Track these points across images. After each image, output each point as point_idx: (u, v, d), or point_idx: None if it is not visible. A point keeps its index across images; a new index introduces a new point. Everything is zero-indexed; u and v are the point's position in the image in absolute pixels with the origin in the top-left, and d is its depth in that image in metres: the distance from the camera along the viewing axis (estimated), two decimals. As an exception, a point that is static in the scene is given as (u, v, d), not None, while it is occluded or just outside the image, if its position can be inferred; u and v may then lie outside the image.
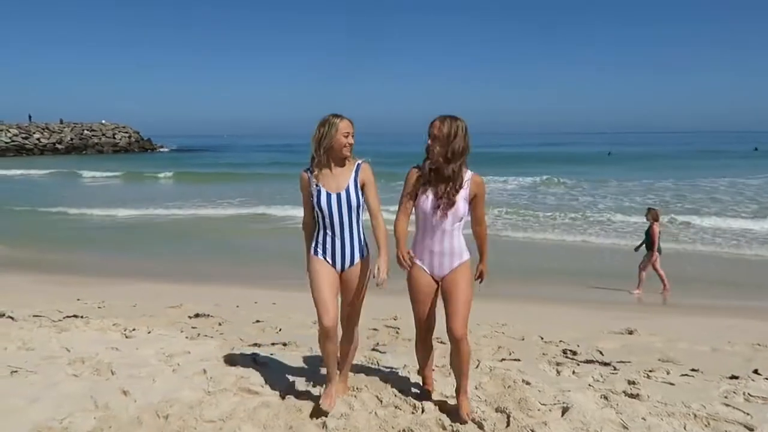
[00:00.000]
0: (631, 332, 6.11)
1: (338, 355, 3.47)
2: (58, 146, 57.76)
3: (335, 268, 3.33)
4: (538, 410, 3.40)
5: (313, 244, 3.36)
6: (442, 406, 3.47)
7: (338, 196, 3.25)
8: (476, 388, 3.75)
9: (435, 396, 3.61)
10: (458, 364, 3.29)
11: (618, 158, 42.29)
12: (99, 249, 12.46)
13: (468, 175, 3.21)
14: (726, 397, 3.83)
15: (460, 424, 3.20)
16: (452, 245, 3.26)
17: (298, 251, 3.81)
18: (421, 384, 3.71)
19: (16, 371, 3.97)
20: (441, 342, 4.46)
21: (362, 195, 3.30)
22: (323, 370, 3.62)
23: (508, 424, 3.22)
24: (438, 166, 3.14)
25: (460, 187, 3.17)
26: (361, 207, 3.32)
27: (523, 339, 5.61)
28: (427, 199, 3.19)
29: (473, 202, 3.25)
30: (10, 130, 56.47)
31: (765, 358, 5.15)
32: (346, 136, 3.23)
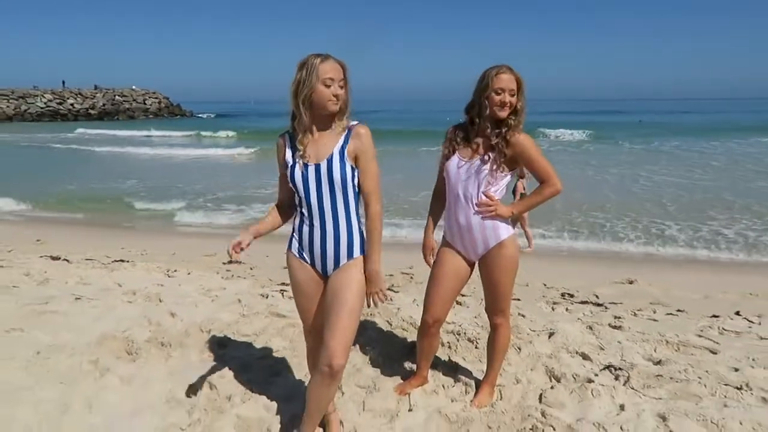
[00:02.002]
0: (631, 282, 6.54)
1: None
2: (91, 111, 59.11)
3: (316, 269, 2.48)
4: (527, 334, 3.91)
5: (290, 236, 2.51)
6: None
7: (317, 168, 2.34)
8: (475, 318, 4.26)
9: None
10: (492, 352, 3.03)
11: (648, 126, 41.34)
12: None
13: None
14: (701, 331, 4.28)
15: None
16: (483, 223, 2.75)
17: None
18: None
19: (79, 298, 4.62)
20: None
21: (352, 169, 2.36)
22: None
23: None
24: (517, 122, 2.68)
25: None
26: (349, 185, 2.37)
27: (527, 285, 6.09)
28: (458, 162, 2.76)
29: (526, 164, 2.76)
30: (45, 95, 57.92)
31: (752, 304, 5.54)
32: (329, 85, 2.27)
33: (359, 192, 2.41)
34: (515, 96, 2.65)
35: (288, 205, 2.54)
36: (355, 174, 2.37)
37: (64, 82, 62.83)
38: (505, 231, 2.77)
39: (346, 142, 2.36)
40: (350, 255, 2.42)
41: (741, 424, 2.74)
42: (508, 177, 2.77)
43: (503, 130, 2.67)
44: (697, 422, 2.78)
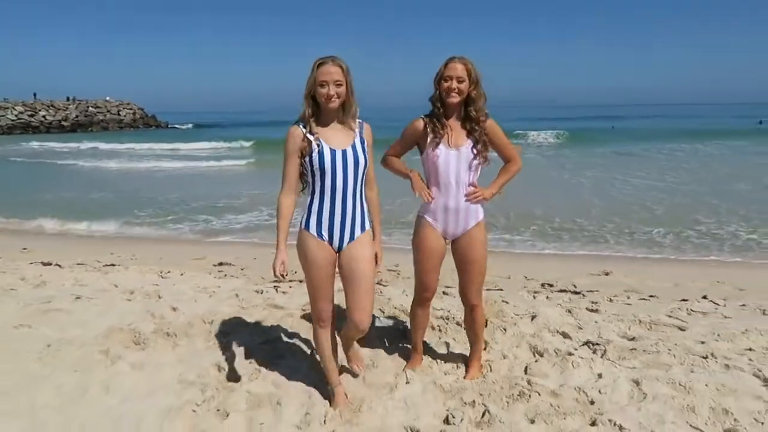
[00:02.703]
0: (607, 273, 6.87)
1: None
2: (64, 123, 58.28)
3: (332, 247, 2.79)
4: (512, 317, 4.19)
5: (305, 217, 2.78)
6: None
7: (344, 153, 2.69)
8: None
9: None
10: (473, 330, 3.27)
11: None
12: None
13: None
14: (671, 312, 4.60)
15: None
16: (468, 204, 3.01)
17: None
18: None
19: (79, 297, 4.77)
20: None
21: (366, 156, 2.77)
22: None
23: (486, 326, 3.99)
24: (476, 109, 2.92)
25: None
26: (362, 170, 2.76)
27: (509, 277, 6.38)
28: (443, 152, 2.94)
29: (494, 145, 3.02)
30: (16, 107, 56.97)
31: (719, 290, 5.90)
32: (323, 86, 2.63)
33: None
34: (464, 83, 2.87)
35: (296, 192, 2.80)
36: (367, 160, 2.78)
37: (35, 95, 61.91)
38: (481, 212, 3.09)
39: (361, 131, 2.79)
40: (362, 229, 2.83)
41: (706, 386, 3.04)
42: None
43: (475, 120, 2.93)
44: (666, 385, 3.07)
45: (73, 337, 3.76)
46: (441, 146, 2.95)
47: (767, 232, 9.28)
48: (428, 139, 2.97)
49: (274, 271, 2.75)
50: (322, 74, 2.63)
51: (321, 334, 2.93)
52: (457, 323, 3.99)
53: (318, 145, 2.68)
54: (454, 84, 2.87)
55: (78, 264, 6.86)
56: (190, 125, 69.20)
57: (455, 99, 2.90)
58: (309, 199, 2.79)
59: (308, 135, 2.70)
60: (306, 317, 4.22)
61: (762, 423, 2.69)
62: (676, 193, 13.80)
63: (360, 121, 2.80)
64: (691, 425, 2.72)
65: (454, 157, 2.95)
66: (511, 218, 10.48)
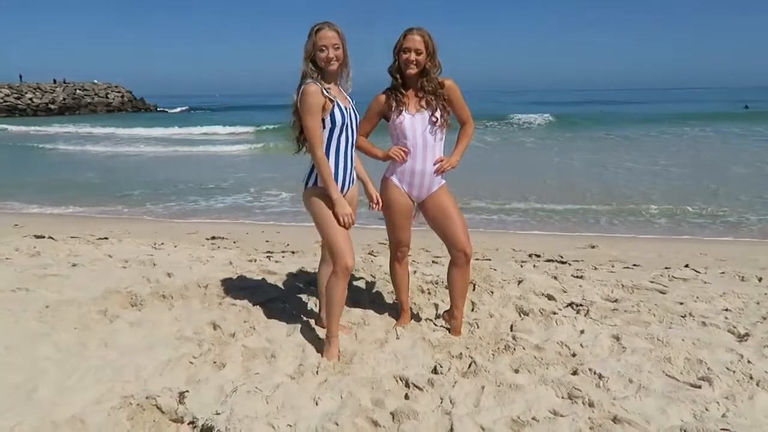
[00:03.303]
0: (593, 246, 7.02)
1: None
2: (51, 106, 57.63)
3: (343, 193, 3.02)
4: (499, 282, 4.31)
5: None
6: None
7: (350, 111, 2.99)
8: (451, 271, 4.64)
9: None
10: (461, 285, 3.32)
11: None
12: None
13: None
14: (653, 278, 4.75)
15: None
16: (433, 167, 3.15)
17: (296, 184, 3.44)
18: None
19: (75, 265, 4.85)
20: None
21: None
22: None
23: (473, 289, 4.13)
24: (428, 80, 3.04)
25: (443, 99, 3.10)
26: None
27: (497, 249, 6.52)
28: (407, 119, 3.08)
29: (453, 106, 3.15)
30: (1, 90, 56.27)
31: (701, 261, 6.06)
32: (323, 50, 2.83)
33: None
34: (422, 55, 2.98)
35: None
36: None
37: (21, 76, 61.09)
38: (443, 178, 3.24)
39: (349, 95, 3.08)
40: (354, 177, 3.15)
41: (683, 340, 3.18)
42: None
43: (430, 90, 3.06)
44: (645, 340, 3.22)
45: (71, 297, 3.85)
46: (404, 113, 3.10)
47: (756, 211, 9.46)
48: (392, 109, 3.12)
49: (344, 220, 2.91)
50: (321, 39, 2.83)
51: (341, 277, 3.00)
52: (446, 287, 4.09)
53: (334, 102, 2.88)
54: (413, 56, 2.98)
55: (72, 237, 6.92)
56: (177, 109, 68.27)
57: (413, 71, 3.02)
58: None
59: (325, 92, 2.86)
60: (299, 281, 4.33)
61: (733, 372, 2.83)
62: (666, 175, 13.99)
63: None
64: (666, 374, 2.86)
65: (418, 121, 3.09)
66: (499, 196, 10.64)
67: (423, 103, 3.09)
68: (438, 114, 3.08)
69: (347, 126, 2.95)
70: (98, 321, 3.49)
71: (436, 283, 4.18)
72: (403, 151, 3.12)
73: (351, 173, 3.04)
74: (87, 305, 3.69)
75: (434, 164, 3.14)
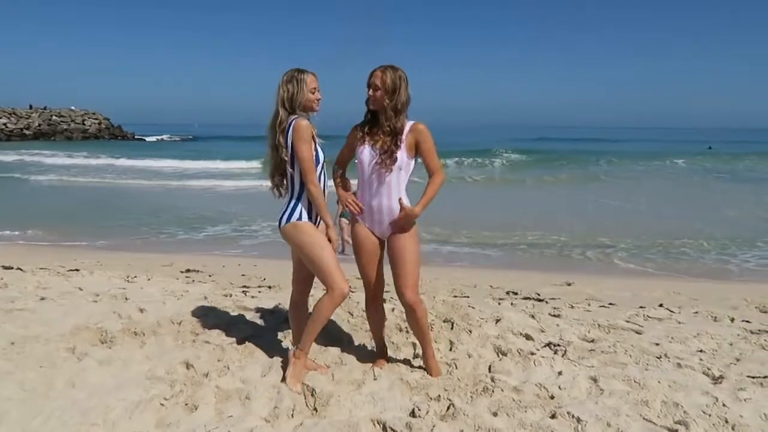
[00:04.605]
0: (569, 284, 7.08)
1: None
2: (26, 132, 56.84)
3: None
4: (477, 321, 4.30)
5: (301, 210, 3.13)
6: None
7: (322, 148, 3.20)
8: (431, 309, 4.62)
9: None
10: (416, 330, 3.30)
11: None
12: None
13: (408, 125, 3.09)
14: (629, 318, 4.79)
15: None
16: (391, 205, 3.10)
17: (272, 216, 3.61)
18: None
19: (44, 298, 4.71)
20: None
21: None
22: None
23: (452, 328, 4.11)
24: (386, 118, 3.03)
25: (401, 141, 3.06)
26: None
27: (475, 286, 6.53)
28: (366, 152, 3.09)
29: (420, 151, 3.11)
30: (-25, 114, 55.44)
31: (674, 299, 6.15)
32: (313, 92, 3.09)
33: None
34: (378, 92, 3.02)
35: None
36: None
37: (-5, 102, 60.29)
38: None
39: None
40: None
41: (659, 382, 3.19)
42: (412, 163, 3.13)
43: (386, 128, 3.05)
44: (622, 382, 3.22)
45: (38, 333, 3.72)
46: (365, 146, 3.12)
47: (725, 247, 9.68)
48: (357, 140, 3.17)
49: (337, 245, 3.11)
50: (311, 82, 3.08)
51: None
52: (424, 325, 4.08)
53: (316, 141, 3.10)
54: (370, 92, 3.05)
55: (41, 268, 6.74)
56: (155, 138, 67.50)
57: (370, 107, 3.10)
58: (298, 192, 3.09)
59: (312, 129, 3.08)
60: (275, 318, 4.26)
61: (709, 415, 2.84)
62: (637, 212, 14.28)
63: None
64: (644, 417, 2.85)
65: (374, 157, 3.08)
66: (473, 232, 10.74)
67: (377, 139, 3.09)
68: (385, 156, 3.03)
69: (324, 164, 3.12)
70: (66, 359, 3.37)
71: (414, 322, 4.14)
72: (356, 204, 3.16)
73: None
74: (54, 342, 3.57)
75: (395, 219, 3.10)
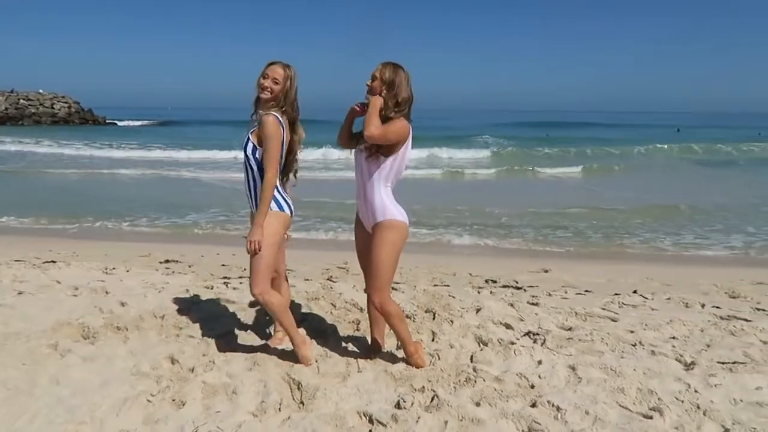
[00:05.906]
0: (546, 271, 7.21)
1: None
2: (-8, 116, 55.28)
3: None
4: (458, 310, 4.38)
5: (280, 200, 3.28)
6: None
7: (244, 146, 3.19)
8: (411, 299, 4.69)
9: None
10: (390, 326, 3.30)
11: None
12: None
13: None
14: (604, 305, 4.92)
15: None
16: (373, 200, 3.12)
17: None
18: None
19: (21, 293, 4.64)
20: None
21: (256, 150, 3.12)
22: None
23: (434, 318, 4.18)
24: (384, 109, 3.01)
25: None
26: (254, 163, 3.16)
27: (454, 274, 6.62)
28: (359, 143, 3.15)
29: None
30: (-62, 98, 53.64)
31: (648, 286, 6.31)
32: (265, 77, 3.12)
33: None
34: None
35: None
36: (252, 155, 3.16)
37: (-40, 85, 58.34)
38: (397, 214, 3.13)
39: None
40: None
41: (634, 370, 3.31)
42: (387, 162, 3.09)
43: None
44: (599, 370, 3.33)
45: (19, 330, 3.68)
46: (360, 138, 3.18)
47: (696, 233, 9.96)
48: None
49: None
50: (266, 69, 3.16)
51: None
52: (407, 315, 4.14)
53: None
54: (368, 81, 3.08)
55: (15, 260, 6.63)
56: (128, 122, 65.91)
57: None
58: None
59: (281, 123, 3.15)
60: (259, 310, 4.28)
61: (682, 401, 2.96)
62: (610, 198, 14.54)
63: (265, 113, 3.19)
64: (620, 405, 2.96)
65: (362, 149, 3.16)
66: (452, 219, 10.84)
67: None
68: (369, 149, 3.09)
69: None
70: (49, 356, 3.35)
71: (397, 312, 4.20)
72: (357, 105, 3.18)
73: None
74: (36, 338, 3.55)
75: (380, 203, 3.12)
